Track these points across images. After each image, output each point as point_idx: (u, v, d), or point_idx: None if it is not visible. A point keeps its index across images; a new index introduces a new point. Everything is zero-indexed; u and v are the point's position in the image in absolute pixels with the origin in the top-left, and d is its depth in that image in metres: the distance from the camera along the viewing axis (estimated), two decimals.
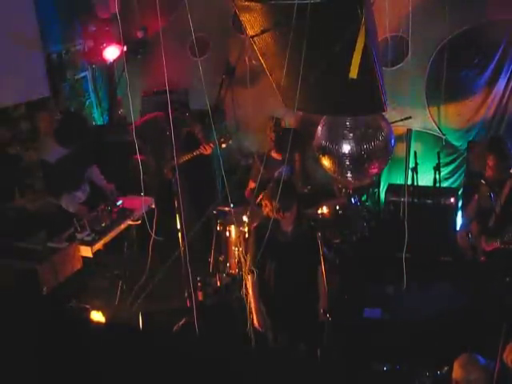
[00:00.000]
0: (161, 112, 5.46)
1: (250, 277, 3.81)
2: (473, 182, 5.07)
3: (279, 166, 5.14)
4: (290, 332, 3.89)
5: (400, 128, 5.47)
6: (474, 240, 4.30)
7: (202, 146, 5.37)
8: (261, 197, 3.84)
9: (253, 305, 3.83)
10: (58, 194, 4.63)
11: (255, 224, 3.95)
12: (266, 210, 3.70)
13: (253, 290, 3.81)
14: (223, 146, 5.31)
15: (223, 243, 5.21)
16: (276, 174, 5.21)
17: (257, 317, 3.83)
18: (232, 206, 4.55)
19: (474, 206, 4.42)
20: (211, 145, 5.33)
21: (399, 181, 6.00)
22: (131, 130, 5.12)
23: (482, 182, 4.29)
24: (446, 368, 3.60)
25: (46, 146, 4.76)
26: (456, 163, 5.92)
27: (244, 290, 4.34)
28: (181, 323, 4.49)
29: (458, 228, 5.57)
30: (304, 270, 3.76)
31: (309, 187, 5.33)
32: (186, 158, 5.36)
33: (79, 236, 4.07)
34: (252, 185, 5.35)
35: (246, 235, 4.94)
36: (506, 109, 5.56)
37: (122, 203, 4.55)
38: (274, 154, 5.25)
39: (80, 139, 4.64)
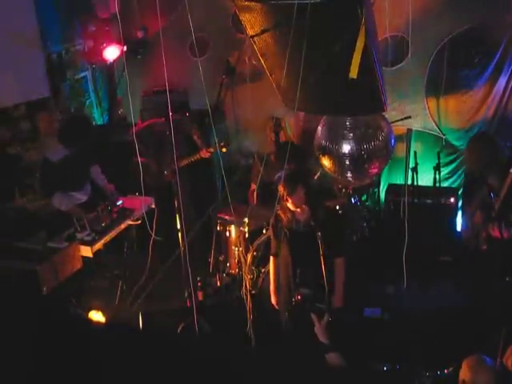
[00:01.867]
0: (160, 117, 5.50)
1: (271, 259, 4.09)
2: (473, 181, 5.07)
3: (279, 169, 5.14)
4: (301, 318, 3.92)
5: (400, 128, 5.47)
6: (476, 229, 4.31)
7: (200, 151, 5.43)
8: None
9: (271, 285, 4.09)
10: (50, 193, 4.62)
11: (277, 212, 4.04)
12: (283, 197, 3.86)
13: (273, 271, 4.07)
14: (223, 150, 5.33)
15: (223, 243, 5.22)
16: (276, 177, 5.21)
17: (274, 296, 4.07)
18: (231, 206, 4.55)
19: (477, 203, 4.42)
20: (210, 149, 5.39)
21: (399, 181, 6.00)
22: (131, 133, 5.13)
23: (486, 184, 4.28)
24: (451, 368, 3.59)
25: (49, 145, 4.78)
26: (456, 163, 5.92)
27: (244, 290, 4.35)
28: (183, 324, 4.50)
29: (458, 228, 5.58)
30: (318, 260, 3.76)
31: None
32: (186, 162, 5.39)
33: (79, 236, 4.07)
34: (253, 186, 5.35)
35: (246, 235, 4.95)
36: (506, 109, 5.56)
37: (122, 203, 4.55)
38: (274, 160, 5.25)
39: (83, 140, 4.66)
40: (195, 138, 5.73)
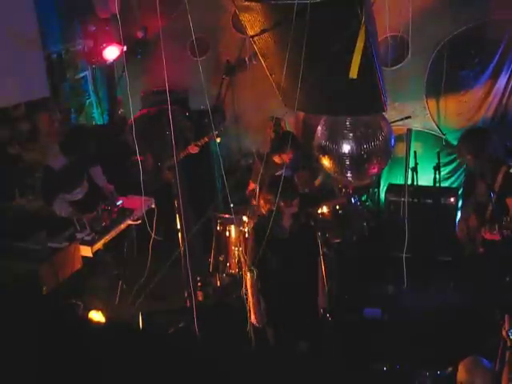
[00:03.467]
0: (147, 109, 5.52)
1: (248, 275, 3.82)
2: (473, 181, 5.08)
3: (279, 168, 5.15)
4: (289, 328, 3.89)
5: (400, 128, 5.47)
6: (473, 232, 4.31)
7: (189, 146, 5.46)
8: (259, 193, 3.86)
9: (251, 301, 3.84)
10: (51, 201, 4.63)
11: (253, 223, 3.96)
12: (266, 204, 3.73)
13: (251, 288, 3.82)
14: (218, 140, 5.35)
15: (223, 243, 5.21)
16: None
17: (254, 313, 3.84)
18: (232, 205, 4.55)
19: (472, 202, 4.43)
20: (199, 143, 5.44)
21: (399, 181, 6.00)
22: (127, 128, 5.14)
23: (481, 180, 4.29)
24: (449, 369, 3.60)
25: (52, 153, 4.81)
26: (456, 163, 5.92)
27: (244, 290, 4.34)
28: (175, 327, 4.50)
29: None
30: (303, 265, 3.76)
31: (306, 190, 5.33)
32: (178, 157, 5.39)
33: (79, 236, 4.08)
34: (252, 185, 5.35)
35: (247, 235, 4.94)
36: (506, 109, 5.56)
37: (122, 203, 4.56)
38: (275, 158, 5.25)
39: (84, 152, 4.73)
40: (188, 133, 5.75)
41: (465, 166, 5.78)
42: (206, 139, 5.48)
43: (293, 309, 3.80)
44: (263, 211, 3.80)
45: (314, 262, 3.79)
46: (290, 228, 3.77)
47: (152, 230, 4.25)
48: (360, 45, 3.11)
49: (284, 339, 3.93)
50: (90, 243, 4.06)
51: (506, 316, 2.90)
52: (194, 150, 5.49)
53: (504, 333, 2.87)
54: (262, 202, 3.80)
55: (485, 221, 4.12)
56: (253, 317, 3.86)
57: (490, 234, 4.00)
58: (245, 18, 3.48)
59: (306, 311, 3.83)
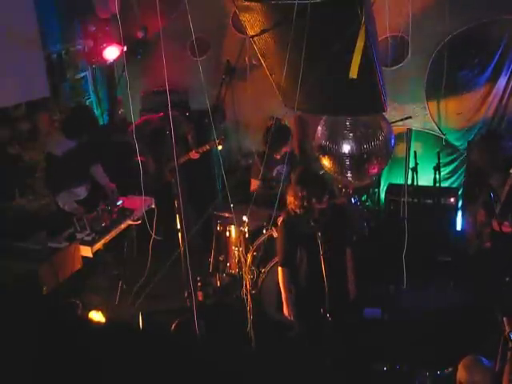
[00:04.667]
0: (158, 113, 5.53)
1: (280, 270, 3.88)
2: (474, 181, 5.08)
3: (280, 161, 5.18)
4: (316, 322, 3.90)
5: (400, 128, 5.47)
6: (480, 227, 4.31)
7: (190, 152, 5.52)
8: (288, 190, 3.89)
9: (283, 295, 3.89)
10: (58, 191, 4.64)
11: (281, 219, 3.98)
12: (297, 200, 3.74)
13: (283, 282, 3.87)
14: (219, 147, 5.37)
15: (223, 243, 5.21)
16: (274, 172, 5.24)
17: (287, 307, 3.87)
18: (232, 206, 4.55)
19: (481, 202, 4.43)
20: (199, 150, 5.50)
21: (399, 181, 6.01)
22: (129, 132, 5.14)
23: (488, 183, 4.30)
24: (450, 369, 3.60)
25: (53, 140, 4.82)
26: (456, 163, 5.93)
27: (244, 290, 4.34)
28: (177, 321, 4.51)
29: (458, 228, 5.59)
30: (331, 258, 3.76)
31: None
32: (179, 162, 5.40)
33: (79, 236, 4.07)
34: (254, 183, 5.34)
35: (247, 235, 4.94)
36: (506, 109, 5.56)
37: (123, 203, 4.55)
38: (276, 155, 5.26)
39: (87, 131, 4.71)
40: (189, 137, 5.77)
41: (465, 166, 5.79)
42: (208, 147, 5.50)
43: (321, 302, 3.79)
44: (293, 208, 3.81)
45: (341, 254, 3.86)
46: (316, 222, 3.78)
47: (152, 230, 4.25)
48: (360, 45, 3.11)
49: (310, 332, 3.94)
50: (90, 243, 4.05)
51: (505, 319, 2.90)
52: (194, 156, 5.54)
53: (506, 334, 2.87)
54: (291, 198, 3.80)
55: (494, 214, 4.13)
56: (285, 311, 3.89)
57: (500, 224, 4.01)
58: (245, 18, 3.48)
59: (333, 304, 3.82)
